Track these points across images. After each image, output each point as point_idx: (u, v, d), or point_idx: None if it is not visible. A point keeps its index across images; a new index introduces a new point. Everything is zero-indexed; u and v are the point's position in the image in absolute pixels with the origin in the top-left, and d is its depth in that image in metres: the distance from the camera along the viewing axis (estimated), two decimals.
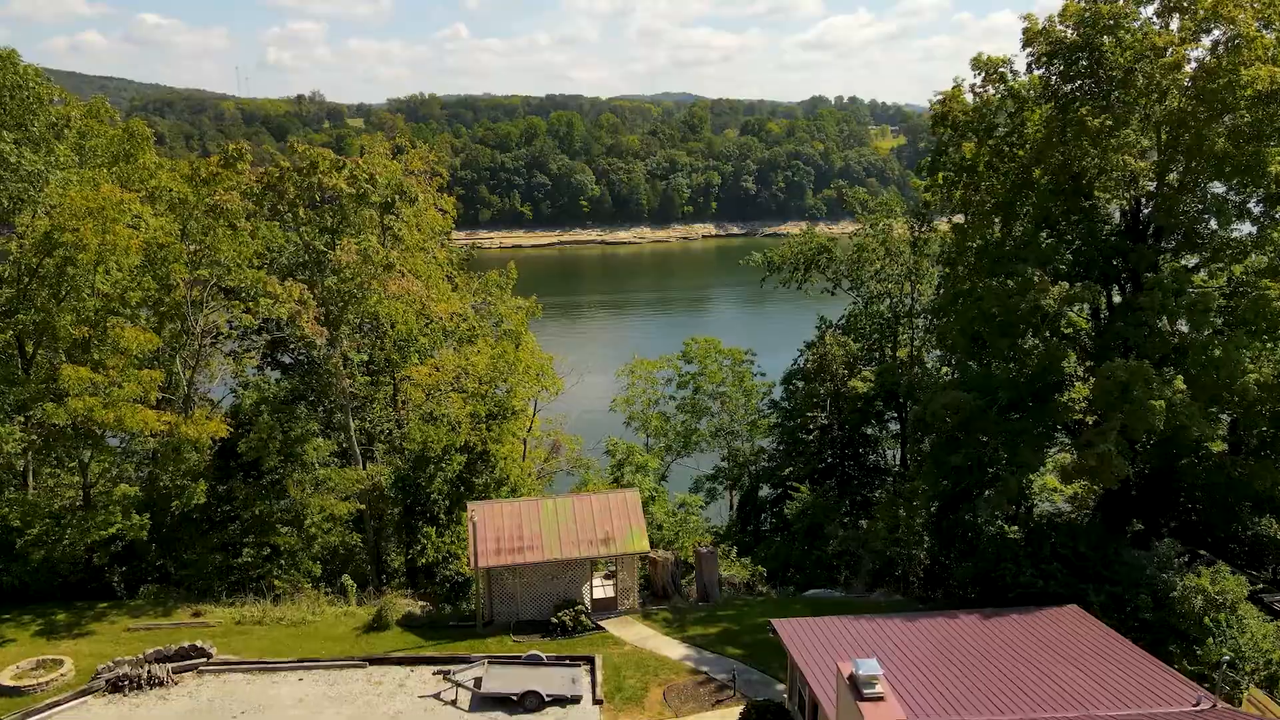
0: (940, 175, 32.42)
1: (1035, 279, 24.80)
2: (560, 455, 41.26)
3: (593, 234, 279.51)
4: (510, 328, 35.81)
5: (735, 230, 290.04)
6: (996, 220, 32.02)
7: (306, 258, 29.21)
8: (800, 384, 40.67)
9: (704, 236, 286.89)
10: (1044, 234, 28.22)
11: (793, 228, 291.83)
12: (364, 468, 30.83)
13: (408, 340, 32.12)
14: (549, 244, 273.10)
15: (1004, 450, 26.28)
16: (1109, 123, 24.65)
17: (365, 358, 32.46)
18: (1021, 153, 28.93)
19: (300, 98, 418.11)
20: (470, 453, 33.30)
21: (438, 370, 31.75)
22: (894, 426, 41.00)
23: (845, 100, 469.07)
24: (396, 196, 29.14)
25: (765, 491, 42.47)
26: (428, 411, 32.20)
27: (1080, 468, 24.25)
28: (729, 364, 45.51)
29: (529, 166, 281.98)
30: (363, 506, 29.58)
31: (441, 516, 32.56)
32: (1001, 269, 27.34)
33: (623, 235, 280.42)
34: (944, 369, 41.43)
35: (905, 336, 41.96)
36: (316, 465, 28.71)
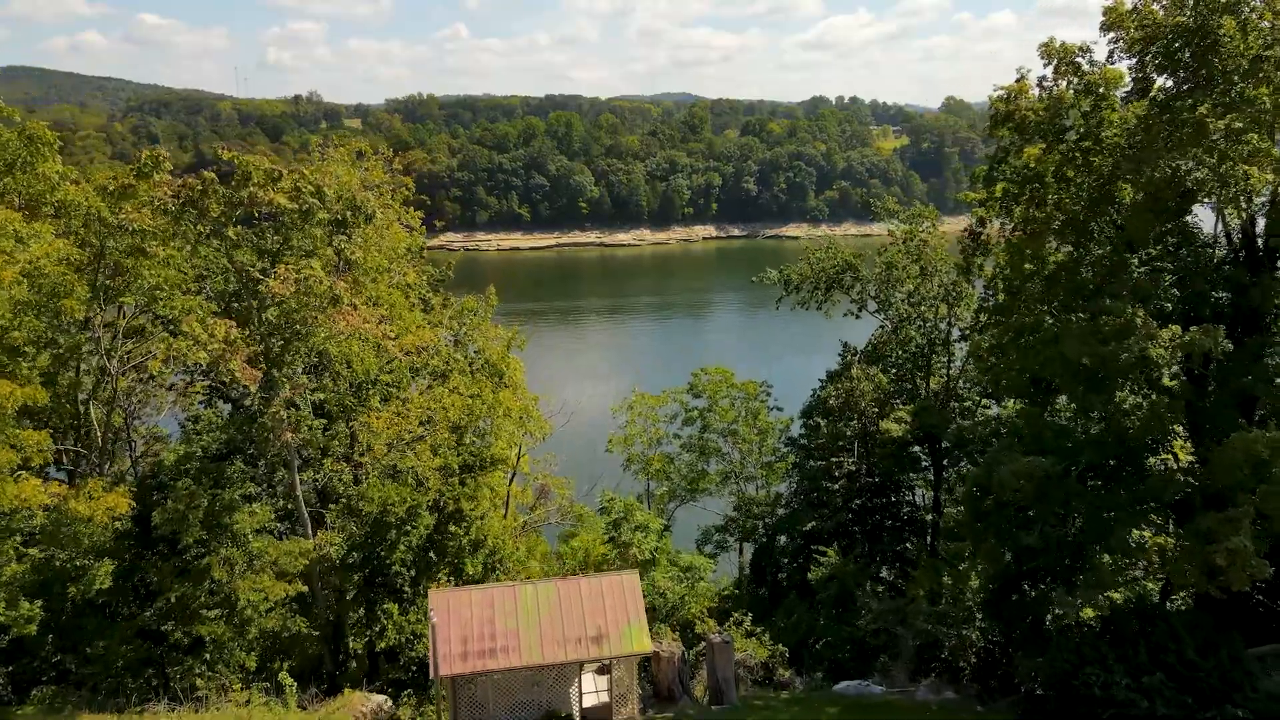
0: (1000, 187, 27.25)
1: (1138, 320, 19.80)
2: (549, 501, 36.25)
3: (592, 236, 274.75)
4: (489, 360, 30.81)
5: (736, 232, 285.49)
6: (1053, 240, 27.11)
7: (240, 286, 24.23)
8: (822, 421, 35.61)
9: (704, 238, 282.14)
10: (1134, 260, 23.18)
11: (795, 229, 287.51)
12: (312, 535, 25.84)
13: (366, 382, 27.14)
14: (547, 246, 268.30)
15: (1091, 527, 21.32)
16: (1237, 124, 19.60)
17: (318, 399, 27.44)
18: (1099, 160, 23.97)
19: (297, 98, 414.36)
20: (441, 512, 28.36)
21: (402, 416, 26.79)
22: (926, 464, 36.15)
23: (846, 100, 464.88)
24: (349, 213, 24.22)
25: (783, 540, 37.27)
26: (390, 465, 27.23)
27: (1197, 562, 19.23)
28: (741, 399, 40.40)
29: (527, 167, 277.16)
30: (304, 589, 24.58)
31: (406, 590, 27.60)
32: (1084, 303, 22.39)
33: (622, 237, 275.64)
34: (983, 401, 36.56)
35: (940, 364, 36.99)
36: (250, 537, 23.70)
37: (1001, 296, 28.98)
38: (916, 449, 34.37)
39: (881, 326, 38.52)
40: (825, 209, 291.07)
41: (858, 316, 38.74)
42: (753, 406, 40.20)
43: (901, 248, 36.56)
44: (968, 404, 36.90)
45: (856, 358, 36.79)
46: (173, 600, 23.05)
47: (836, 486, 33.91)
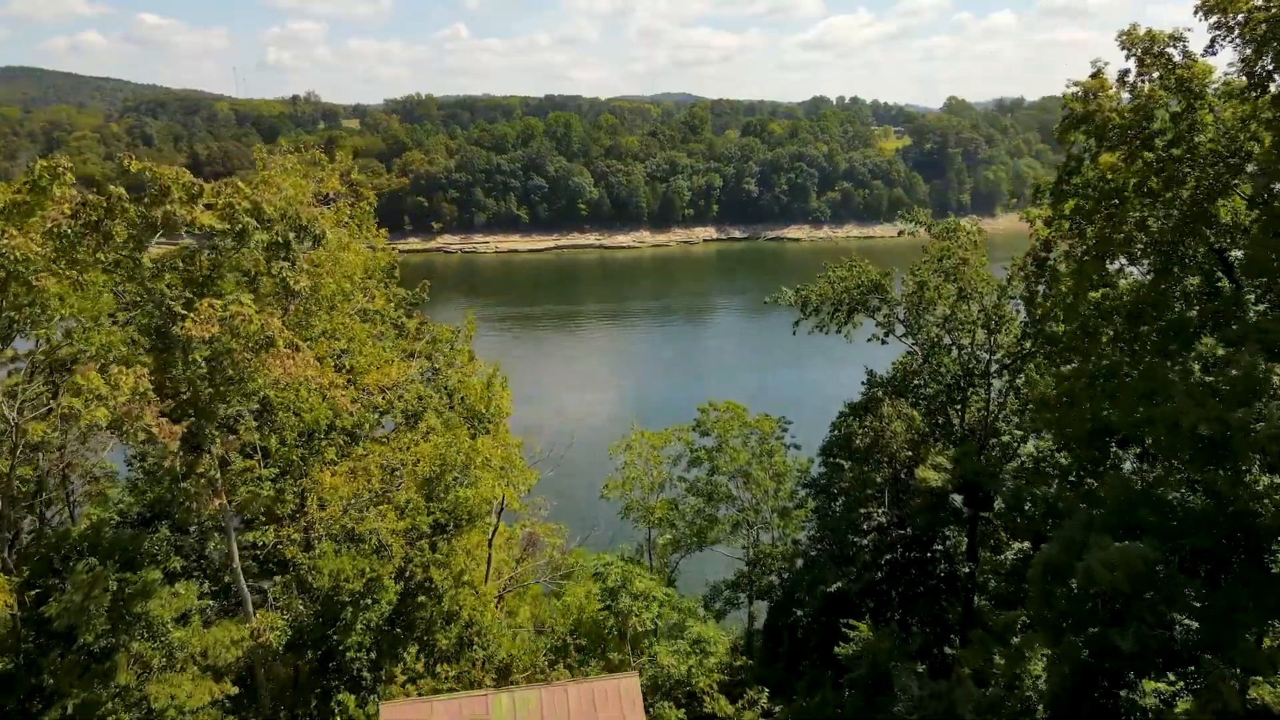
0: (1071, 203, 23.00)
1: (1276, 379, 15.68)
2: (538, 551, 32.07)
3: (591, 238, 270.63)
4: (466, 400, 26.60)
5: (737, 234, 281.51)
6: (1120, 260, 23.03)
7: (162, 323, 20.04)
8: (846, 464, 31.42)
9: (705, 240, 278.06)
10: (1250, 296, 19.05)
11: (796, 231, 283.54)
12: (253, 616, 21.69)
13: (319, 431, 22.96)
14: (546, 248, 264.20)
15: (1207, 632, 17.21)
16: None
17: (262, 449, 23.24)
18: (1192, 171, 19.88)
19: (295, 98, 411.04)
20: (408, 581, 24.24)
21: (361, 473, 22.64)
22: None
23: (847, 100, 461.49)
24: (292, 234, 20.04)
25: (802, 598, 32.91)
26: (347, 527, 23.06)
27: None
28: (755, 437, 36.07)
29: (526, 169, 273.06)
30: (234, 690, 20.36)
31: (365, 675, 23.44)
32: (1183, 347, 18.34)
33: (622, 239, 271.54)
34: (1022, 436, 32.44)
35: (977, 397, 32.83)
36: (169, 626, 19.57)
37: (1060, 327, 24.86)
38: (955, 497, 30.11)
39: (910, 353, 34.37)
40: (827, 210, 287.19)
41: (884, 342, 34.60)
42: (768, 445, 35.87)
43: (935, 265, 32.35)
44: (1006, 438, 32.83)
45: (885, 392, 32.48)
46: (71, 709, 18.90)
47: (865, 541, 29.75)
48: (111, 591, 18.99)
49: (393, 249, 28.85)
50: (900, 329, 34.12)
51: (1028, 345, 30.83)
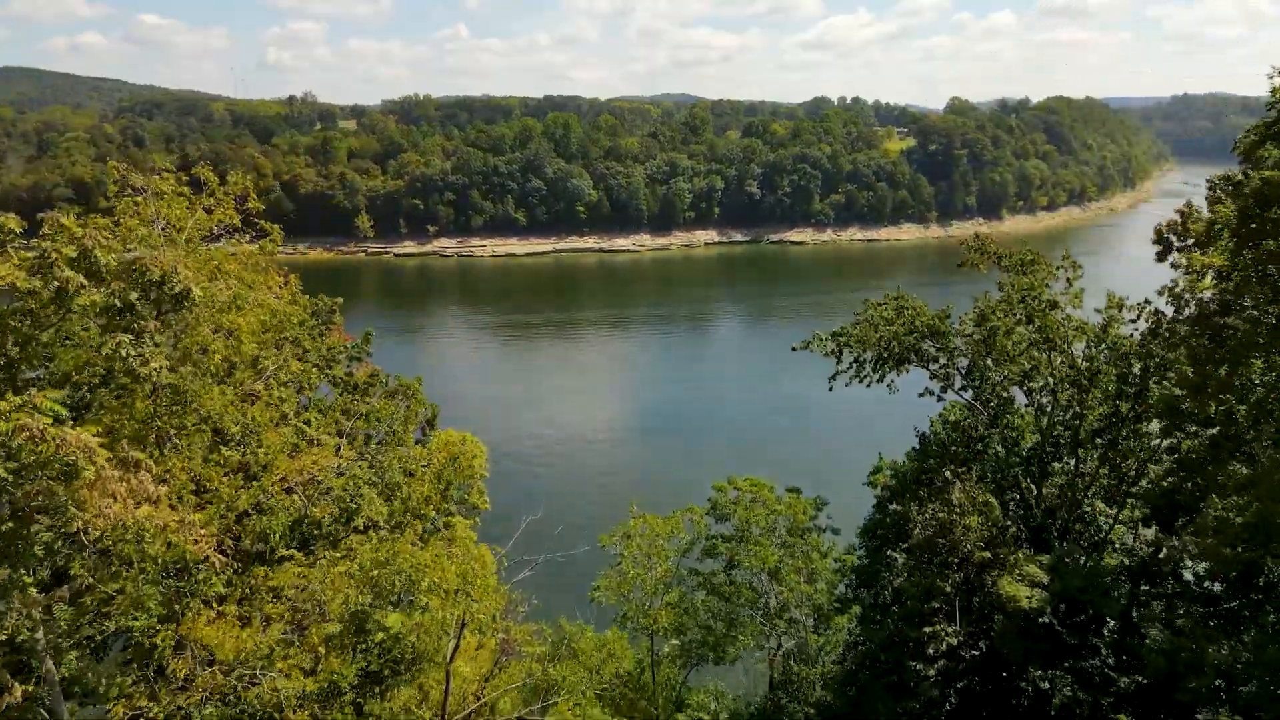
0: (1271, 245, 16.53)
1: None
2: (513, 657, 25.69)
3: (590, 241, 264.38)
4: (408, 501, 20.18)
5: (739, 237, 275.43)
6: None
7: None
8: (899, 557, 24.98)
9: (706, 244, 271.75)
10: None
11: (799, 234, 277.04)
12: None
13: (186, 569, 16.55)
14: (544, 252, 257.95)
15: None
16: None
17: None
18: None
19: (292, 99, 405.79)
20: None
21: (244, 626, 16.33)
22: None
23: (848, 101, 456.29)
24: (136, 295, 13.75)
25: None
26: (233, 690, 16.66)
27: None
28: (785, 523, 29.37)
29: (524, 170, 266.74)
30: None
31: None
32: None
33: (621, 242, 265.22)
34: (1108, 510, 26.17)
35: (1061, 467, 26.49)
36: None
37: (1213, 405, 18.51)
38: (1063, 627, 23.37)
39: (971, 411, 27.99)
40: (831, 213, 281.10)
41: (939, 398, 28.27)
42: (799, 535, 29.14)
43: (1014, 307, 25.91)
44: (1085, 510, 26.58)
45: (948, 462, 25.96)
46: None
47: (933, 673, 23.30)
48: None
49: (304, 304, 22.18)
50: (959, 380, 27.78)
51: (1124, 408, 24.58)
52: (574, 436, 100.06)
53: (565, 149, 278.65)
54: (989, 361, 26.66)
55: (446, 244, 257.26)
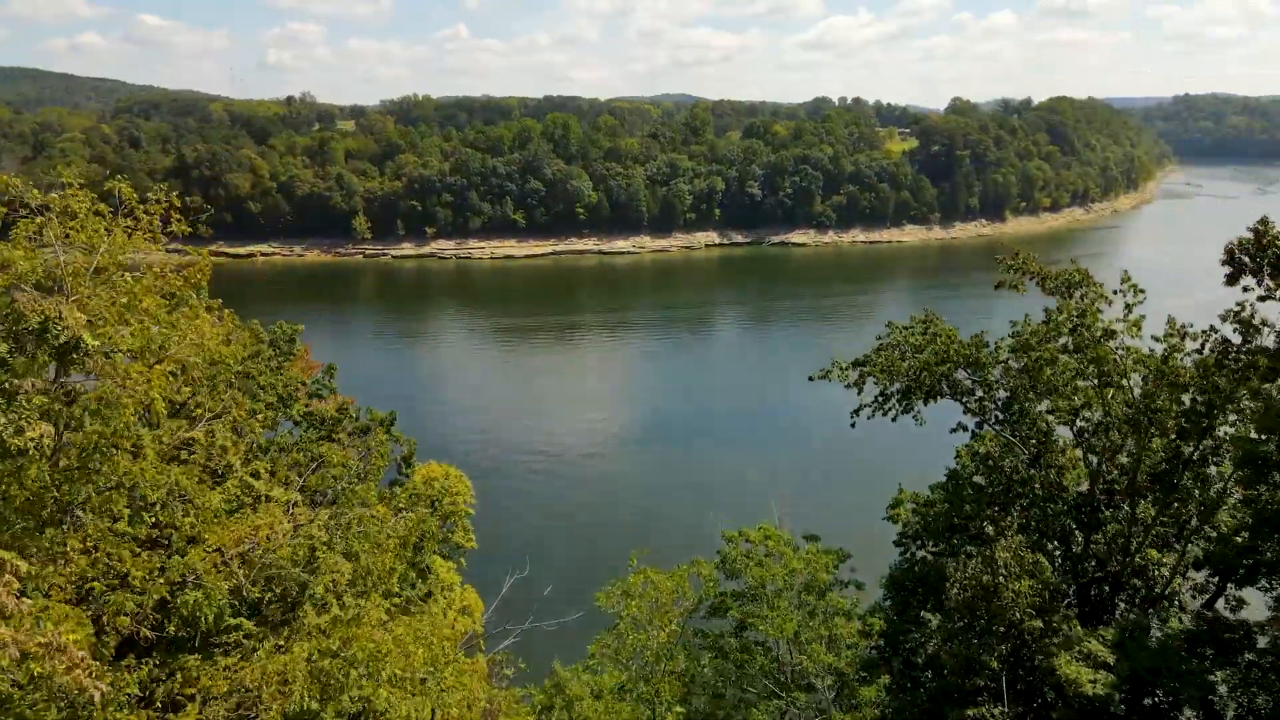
0: None
1: None
2: None
3: (589, 243, 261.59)
4: (373, 570, 17.30)
5: (740, 238, 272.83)
6: None
7: None
8: (933, 617, 22.06)
9: (707, 245, 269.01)
10: None
11: (800, 235, 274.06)
12: None
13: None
14: (543, 254, 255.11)
15: None
16: None
17: None
18: None
19: (290, 99, 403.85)
20: None
21: None
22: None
23: (849, 101, 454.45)
24: (8, 346, 10.97)
25: None
26: None
27: None
28: (804, 580, 26.20)
29: (522, 172, 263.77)
30: None
31: None
32: None
33: (621, 244, 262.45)
34: (1163, 559, 23.35)
35: (1115, 516, 23.60)
36: None
37: None
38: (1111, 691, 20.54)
39: (1008, 448, 25.07)
40: (832, 214, 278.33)
41: (974, 432, 25.43)
42: (816, 582, 25.99)
43: (1067, 338, 22.98)
44: (1140, 561, 23.73)
45: (987, 510, 23.02)
46: None
47: None
48: None
49: (248, 331, 19.23)
50: (996, 414, 24.88)
51: (1186, 449, 21.75)
52: (570, 451, 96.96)
53: (565, 150, 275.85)
54: (1032, 395, 23.81)
55: (444, 246, 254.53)
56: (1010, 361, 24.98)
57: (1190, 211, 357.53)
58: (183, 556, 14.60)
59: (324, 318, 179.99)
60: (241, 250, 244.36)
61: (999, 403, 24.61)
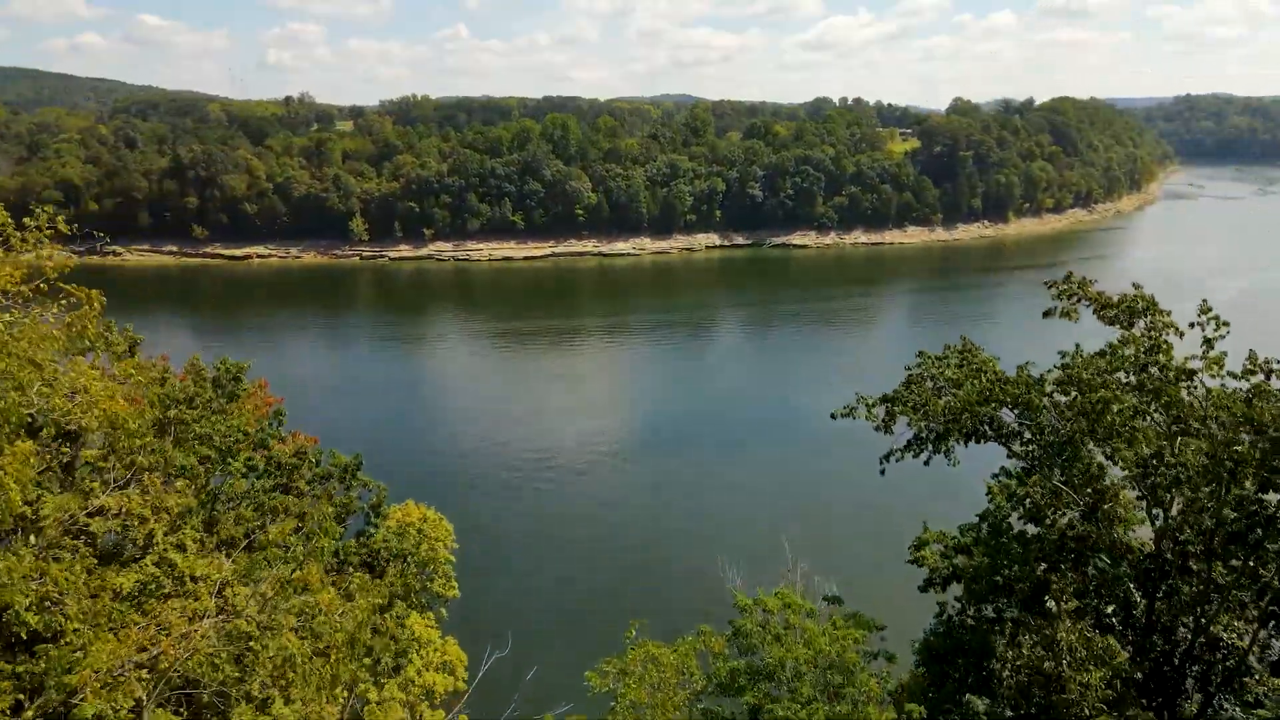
0: None
1: None
2: None
3: (589, 245, 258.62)
4: (326, 647, 14.23)
5: (740, 240, 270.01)
6: None
7: None
8: (980, 701, 19.03)
9: (708, 247, 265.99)
10: None
11: (801, 237, 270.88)
12: None
13: None
14: (542, 256, 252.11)
15: None
16: None
17: None
18: None
19: (289, 99, 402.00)
20: None
21: None
22: None
23: (850, 101, 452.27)
24: None
25: None
26: None
27: None
28: (830, 660, 23.00)
29: (521, 173, 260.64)
30: None
31: None
32: None
33: (621, 246, 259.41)
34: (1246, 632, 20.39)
35: (1185, 584, 20.52)
36: None
37: None
38: None
39: (1055, 496, 22.06)
40: (834, 216, 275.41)
41: (1021, 481, 22.41)
42: (846, 666, 22.83)
43: (1131, 373, 19.93)
44: (1216, 633, 20.74)
45: (1059, 596, 19.69)
46: None
47: None
48: None
49: (219, 365, 16.23)
50: (1044, 458, 21.85)
51: (1271, 502, 18.80)
52: (564, 469, 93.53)
53: (564, 151, 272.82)
54: (1090, 442, 20.81)
55: (443, 247, 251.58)
56: (1056, 394, 22.00)
57: (1193, 212, 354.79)
58: (66, 674, 11.61)
59: (320, 321, 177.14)
60: (237, 252, 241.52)
61: (1052, 447, 21.57)
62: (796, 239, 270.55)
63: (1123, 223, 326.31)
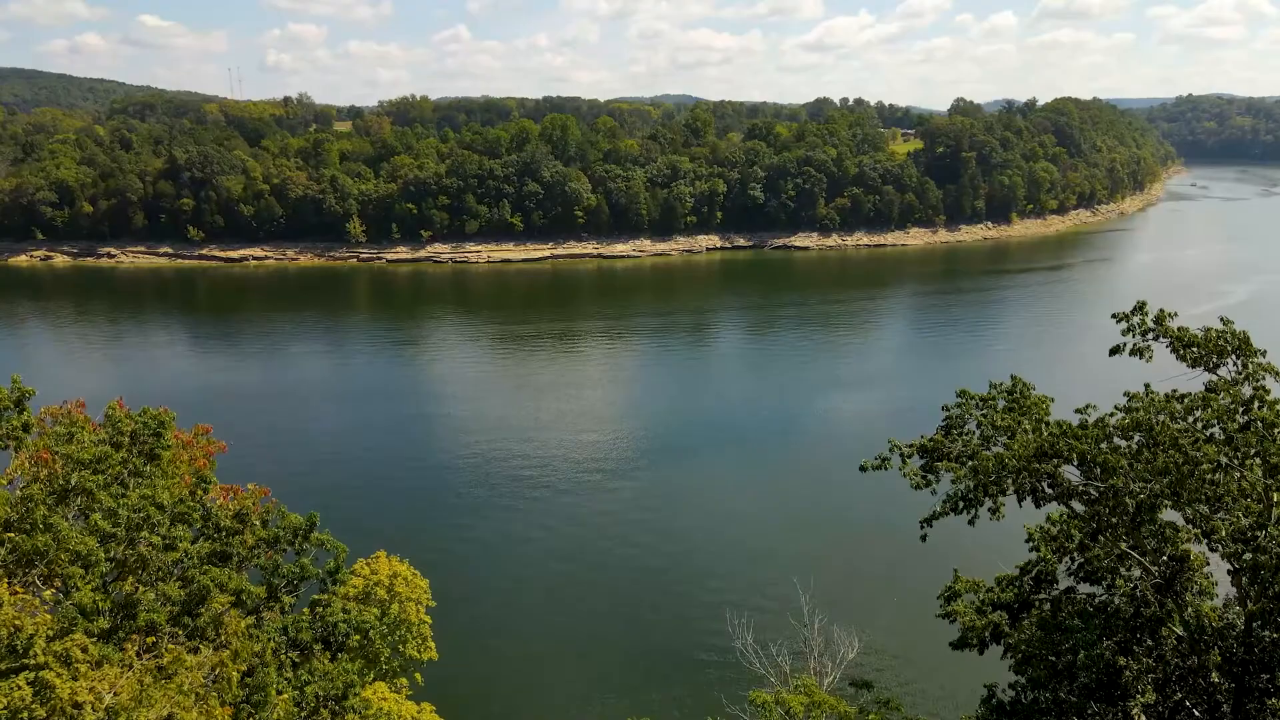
0: None
1: None
2: None
3: (588, 247, 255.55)
4: None
5: (742, 242, 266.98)
6: None
7: None
8: None
9: (708, 249, 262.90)
10: None
11: (803, 239, 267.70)
12: None
13: None
14: (541, 257, 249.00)
15: None
16: None
17: None
18: None
19: (287, 100, 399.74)
20: None
21: None
22: None
23: (851, 102, 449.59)
24: None
25: None
26: None
27: None
28: None
29: (520, 174, 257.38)
30: None
31: None
32: None
33: (621, 248, 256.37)
34: None
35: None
36: None
37: None
38: None
39: (1123, 558, 18.95)
40: (836, 217, 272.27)
41: (1068, 533, 19.32)
42: None
43: (1215, 428, 16.86)
44: None
45: (1129, 680, 16.65)
46: None
47: None
48: None
49: (140, 419, 13.21)
50: (1113, 523, 18.72)
51: None
52: (559, 486, 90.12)
53: (563, 152, 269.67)
54: (1168, 503, 17.74)
55: (440, 249, 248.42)
56: (1116, 438, 18.92)
57: (1198, 213, 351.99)
58: None
59: (316, 324, 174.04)
60: (233, 254, 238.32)
61: (1125, 509, 18.45)
62: (798, 241, 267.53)
63: (1127, 224, 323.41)
